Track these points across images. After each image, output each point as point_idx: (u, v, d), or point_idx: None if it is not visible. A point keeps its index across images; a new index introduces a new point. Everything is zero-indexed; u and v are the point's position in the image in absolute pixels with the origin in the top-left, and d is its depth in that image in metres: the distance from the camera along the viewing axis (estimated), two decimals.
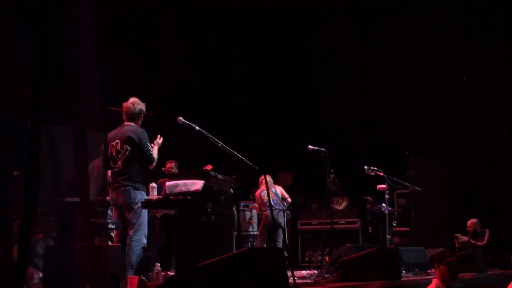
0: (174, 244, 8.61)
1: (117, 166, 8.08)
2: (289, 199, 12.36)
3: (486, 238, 13.50)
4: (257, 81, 16.45)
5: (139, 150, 8.07)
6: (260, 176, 11.52)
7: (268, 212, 10.33)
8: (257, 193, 10.86)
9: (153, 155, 8.17)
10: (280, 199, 12.06)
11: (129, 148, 8.06)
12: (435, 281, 7.16)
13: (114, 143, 8.11)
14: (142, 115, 8.40)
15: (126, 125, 8.27)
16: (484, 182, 15.24)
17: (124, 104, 8.36)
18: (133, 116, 8.31)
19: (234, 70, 16.09)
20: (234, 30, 15.73)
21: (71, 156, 4.43)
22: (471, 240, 13.26)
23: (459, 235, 13.31)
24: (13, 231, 4.45)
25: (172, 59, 14.08)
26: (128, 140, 8.08)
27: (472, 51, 15.45)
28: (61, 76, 4.30)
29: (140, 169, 8.18)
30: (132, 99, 8.37)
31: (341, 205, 14.57)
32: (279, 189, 12.35)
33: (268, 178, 10.39)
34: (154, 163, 8.38)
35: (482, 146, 15.42)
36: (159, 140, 8.54)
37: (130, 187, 8.03)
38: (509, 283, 9.10)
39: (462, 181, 15.21)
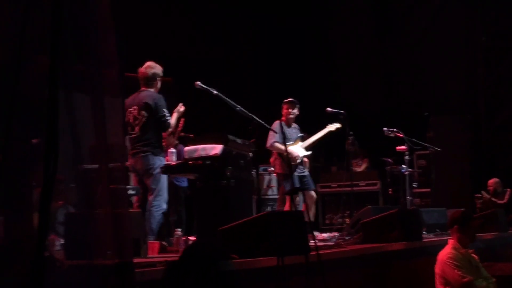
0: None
1: (134, 132, 8.08)
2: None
3: (507, 196, 13.46)
4: (275, 45, 16.33)
5: (155, 116, 8.05)
6: None
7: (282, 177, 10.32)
8: (272, 159, 10.83)
9: (168, 120, 8.13)
10: None
11: (146, 114, 8.04)
12: (451, 242, 7.12)
13: (131, 109, 8.10)
14: (158, 79, 8.32)
15: (143, 91, 8.25)
16: (505, 143, 15.14)
17: (139, 69, 8.32)
18: (147, 80, 8.27)
19: (252, 32, 15.99)
20: None
21: (89, 122, 4.42)
22: (492, 198, 13.22)
23: (484, 192, 13.28)
24: (34, 199, 4.46)
25: (190, 22, 13.98)
26: (145, 106, 8.06)
27: (493, 10, 15.26)
28: (79, 42, 4.27)
29: (158, 135, 8.18)
30: (147, 63, 8.32)
31: (361, 167, 14.50)
32: None
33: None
34: (170, 129, 8.35)
35: (503, 106, 15.29)
36: (181, 108, 8.48)
37: (148, 153, 8.03)
38: None
39: (483, 142, 15.12)
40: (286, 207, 9.78)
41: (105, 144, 4.37)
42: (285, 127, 10.21)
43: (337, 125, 10.62)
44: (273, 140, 9.86)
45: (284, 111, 10.37)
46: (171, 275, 3.59)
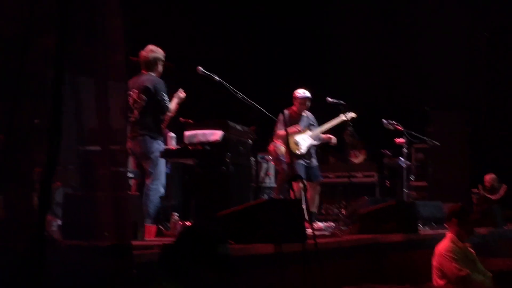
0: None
1: (133, 115, 8.07)
2: None
3: (501, 192, 13.49)
4: (277, 32, 16.29)
5: (154, 99, 8.05)
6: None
7: (285, 165, 10.26)
8: (270, 147, 10.81)
9: (167, 104, 8.11)
10: None
11: (145, 98, 8.04)
12: (449, 236, 7.15)
13: (131, 92, 8.09)
14: (159, 64, 8.31)
15: (144, 74, 8.24)
16: (504, 139, 15.14)
17: (141, 53, 8.30)
18: (147, 64, 8.26)
19: (252, 32, 15.96)
20: None
21: (92, 105, 4.43)
22: (486, 194, 13.25)
23: (480, 186, 13.31)
24: (33, 179, 4.47)
25: (190, 23, 13.93)
26: (144, 89, 8.05)
27: (496, 3, 15.23)
28: (85, 25, 4.28)
29: (157, 119, 8.17)
30: (148, 47, 8.31)
31: (358, 159, 14.49)
32: None
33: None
34: (169, 113, 8.32)
35: (503, 102, 15.29)
36: (181, 94, 8.46)
37: (147, 136, 8.03)
38: None
39: (482, 138, 15.12)
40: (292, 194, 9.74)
41: (108, 126, 4.39)
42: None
43: (352, 115, 10.32)
44: (278, 130, 9.92)
45: (295, 101, 10.42)
46: (168, 257, 3.60)
